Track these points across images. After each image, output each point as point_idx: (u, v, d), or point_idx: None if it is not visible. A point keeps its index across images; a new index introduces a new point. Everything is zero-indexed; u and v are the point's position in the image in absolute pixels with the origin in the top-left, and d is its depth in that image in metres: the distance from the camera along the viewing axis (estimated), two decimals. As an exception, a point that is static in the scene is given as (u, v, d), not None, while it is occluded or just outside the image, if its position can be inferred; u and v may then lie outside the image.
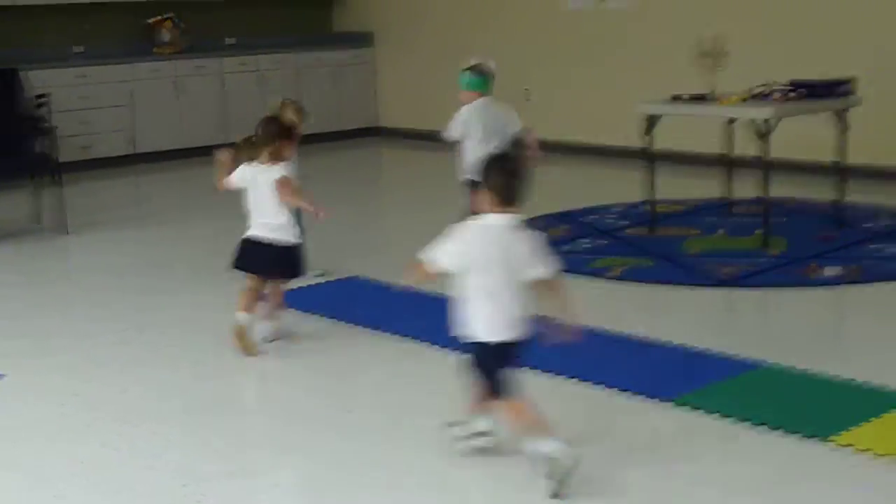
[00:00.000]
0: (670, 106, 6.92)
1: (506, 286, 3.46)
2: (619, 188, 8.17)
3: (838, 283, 5.74)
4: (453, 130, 5.86)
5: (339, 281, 6.09)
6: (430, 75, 11.59)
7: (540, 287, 3.53)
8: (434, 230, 3.76)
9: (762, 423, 3.87)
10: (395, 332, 5.13)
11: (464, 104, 5.86)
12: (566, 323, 3.53)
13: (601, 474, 3.54)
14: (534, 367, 4.52)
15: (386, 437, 3.98)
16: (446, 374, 4.25)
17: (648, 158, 6.96)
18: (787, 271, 5.98)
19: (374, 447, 3.88)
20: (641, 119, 6.91)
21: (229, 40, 11.81)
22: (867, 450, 3.61)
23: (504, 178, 3.48)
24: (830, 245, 6.50)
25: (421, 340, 4.97)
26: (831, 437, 3.71)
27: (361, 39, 12.34)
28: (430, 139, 11.49)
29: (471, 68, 5.88)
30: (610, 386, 4.32)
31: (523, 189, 3.52)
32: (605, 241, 6.78)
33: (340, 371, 4.74)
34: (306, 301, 5.62)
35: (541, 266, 3.49)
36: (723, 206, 7.54)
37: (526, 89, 10.61)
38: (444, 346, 4.69)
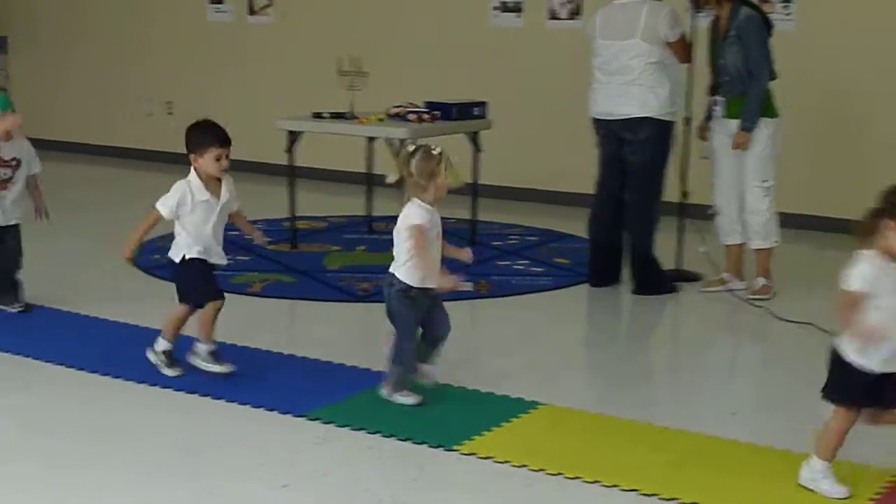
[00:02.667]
0: (311, 123, 6.99)
1: None
2: (261, 204, 8.14)
3: (470, 298, 5.99)
4: None
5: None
6: (70, 83, 11.14)
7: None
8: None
9: (392, 435, 3.96)
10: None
11: None
12: None
13: (230, 488, 3.51)
14: (167, 387, 4.44)
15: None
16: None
17: (290, 175, 7.00)
18: (422, 286, 6.16)
19: None
20: (283, 135, 6.94)
21: None
22: (489, 457, 3.78)
23: None
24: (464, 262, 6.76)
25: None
26: (456, 446, 3.86)
27: (-7, 44, 11.67)
28: (75, 151, 11.06)
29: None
30: (244, 402, 4.28)
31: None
32: (247, 257, 6.74)
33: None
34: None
35: None
36: (363, 224, 7.69)
37: (160, 101, 10.40)
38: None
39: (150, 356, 4.62)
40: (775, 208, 5.97)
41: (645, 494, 3.51)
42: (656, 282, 6.15)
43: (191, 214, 4.48)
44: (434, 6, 9.20)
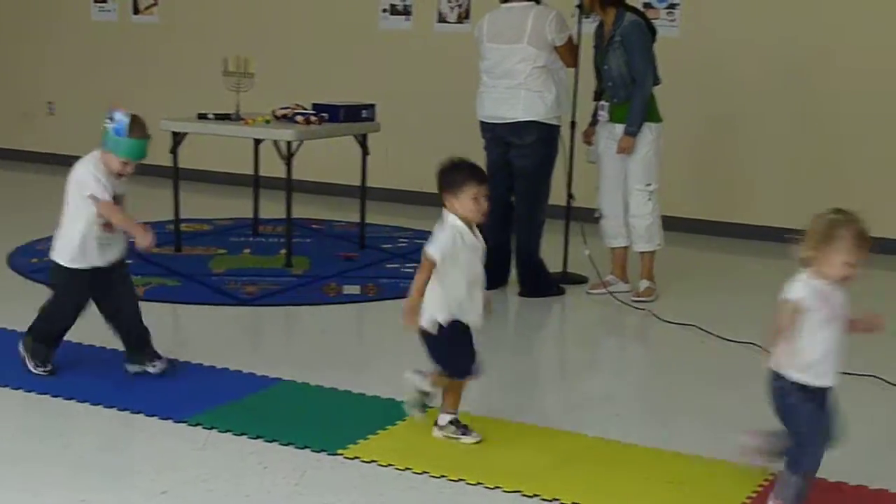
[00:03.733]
0: (196, 124, 6.87)
1: None
2: (145, 207, 7.98)
3: (357, 301, 5.96)
4: None
5: None
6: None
7: None
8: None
9: (274, 440, 3.91)
10: None
11: None
12: None
13: (107, 497, 3.43)
14: (43, 393, 4.32)
15: None
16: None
17: (174, 177, 6.88)
18: (309, 290, 6.13)
19: None
20: (167, 136, 6.81)
21: None
22: (372, 461, 3.75)
23: None
24: (351, 264, 6.74)
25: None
26: (339, 451, 3.82)
27: None
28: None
29: None
30: (123, 408, 4.19)
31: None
32: (130, 261, 6.57)
33: None
34: None
35: None
36: (249, 226, 7.60)
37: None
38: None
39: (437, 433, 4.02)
40: (659, 212, 6.06)
41: (527, 495, 3.52)
42: (543, 284, 6.19)
43: (455, 265, 3.87)
44: (322, 8, 9.14)
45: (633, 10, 6.01)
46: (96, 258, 4.45)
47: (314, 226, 7.73)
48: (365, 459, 3.76)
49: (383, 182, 8.54)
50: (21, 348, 4.57)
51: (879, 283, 6.40)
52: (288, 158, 6.44)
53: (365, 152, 7.11)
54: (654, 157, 5.97)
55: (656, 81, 5.95)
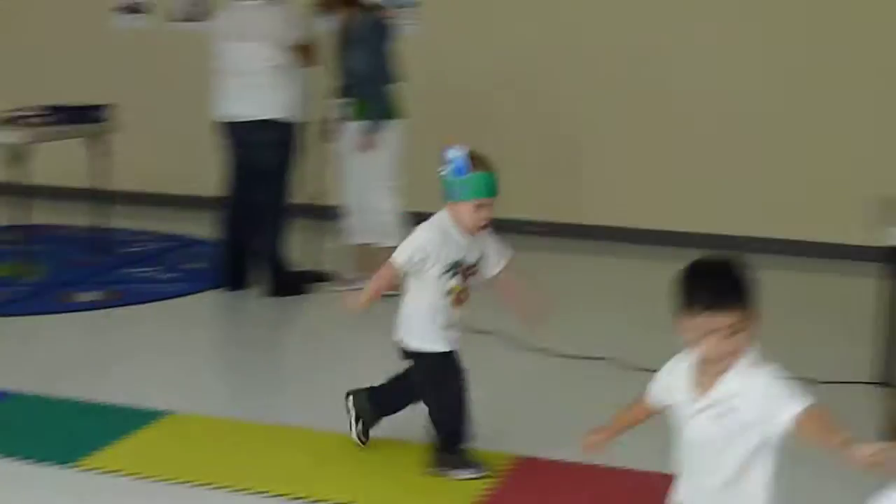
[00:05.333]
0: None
1: None
2: None
3: (97, 308, 5.78)
4: None
5: None
6: None
7: None
8: None
9: (10, 455, 3.75)
10: None
11: None
12: None
13: None
14: None
15: None
16: None
17: None
18: (45, 298, 5.91)
19: None
20: None
21: None
22: (116, 470, 3.66)
23: None
24: (91, 270, 6.54)
25: None
26: (78, 462, 3.71)
27: None
28: None
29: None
30: None
31: None
32: None
33: None
34: None
35: None
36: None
37: None
38: None
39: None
40: (401, 208, 6.14)
41: (275, 495, 3.52)
42: (287, 283, 6.17)
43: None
44: (53, 6, 8.80)
45: (371, 8, 6.07)
46: None
47: (51, 232, 7.43)
48: (107, 470, 3.66)
49: (124, 184, 8.29)
50: None
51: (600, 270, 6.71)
52: (18, 161, 6.18)
53: (98, 153, 6.90)
54: (394, 154, 6.05)
55: (397, 79, 6.03)
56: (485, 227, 3.60)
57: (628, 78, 7.53)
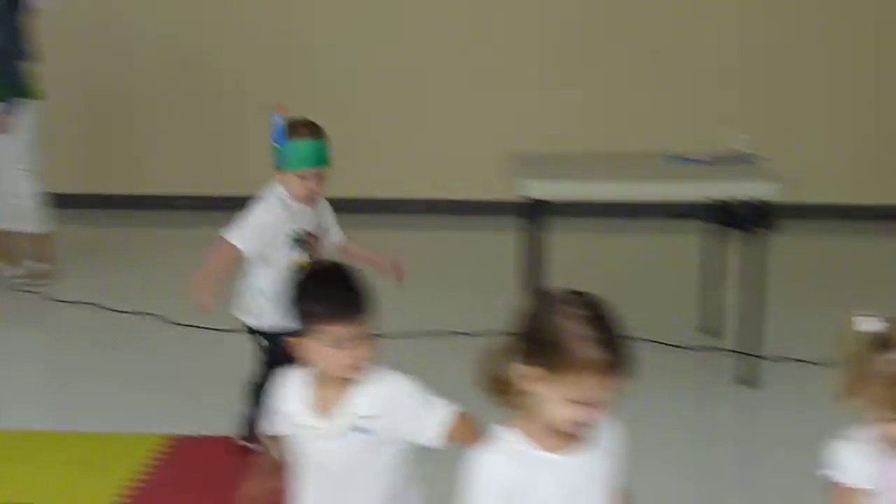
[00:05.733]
0: None
1: None
2: None
3: None
4: None
5: None
6: None
7: None
8: None
9: None
10: None
11: None
12: None
13: None
14: None
15: None
16: None
17: None
18: None
19: None
20: None
21: None
22: None
23: None
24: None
25: None
26: None
27: None
28: None
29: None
30: None
31: None
32: None
33: None
34: None
35: None
36: None
37: None
38: None
39: None
40: (41, 191, 5.85)
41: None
42: None
43: None
44: None
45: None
46: None
47: None
48: None
49: None
50: None
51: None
52: None
53: None
54: (29, 135, 5.77)
55: (29, 56, 5.73)
56: (314, 196, 3.47)
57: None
